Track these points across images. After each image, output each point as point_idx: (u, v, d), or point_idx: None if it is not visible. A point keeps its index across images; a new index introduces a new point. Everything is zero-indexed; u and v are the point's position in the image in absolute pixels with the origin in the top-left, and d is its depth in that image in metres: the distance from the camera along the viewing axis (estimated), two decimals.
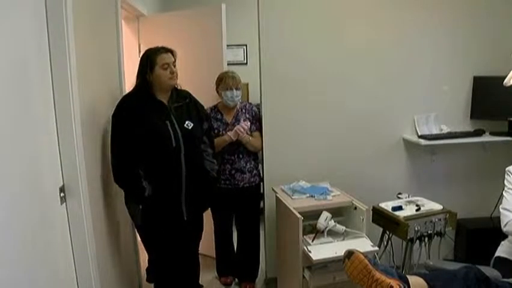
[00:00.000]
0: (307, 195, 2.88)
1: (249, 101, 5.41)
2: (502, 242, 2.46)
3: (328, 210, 2.71)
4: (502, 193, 2.41)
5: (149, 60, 2.46)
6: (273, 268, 3.32)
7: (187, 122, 2.55)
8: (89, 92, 2.29)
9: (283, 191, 3.00)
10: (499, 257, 2.40)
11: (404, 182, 3.46)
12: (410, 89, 3.36)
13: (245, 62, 5.51)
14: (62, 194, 1.97)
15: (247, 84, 5.51)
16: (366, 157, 3.38)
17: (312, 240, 2.60)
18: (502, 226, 2.32)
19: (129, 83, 3.27)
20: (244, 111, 3.25)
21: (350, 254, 1.78)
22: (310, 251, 2.46)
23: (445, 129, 3.39)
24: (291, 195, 2.88)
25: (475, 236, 3.30)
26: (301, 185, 3.04)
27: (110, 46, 2.85)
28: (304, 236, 2.61)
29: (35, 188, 1.75)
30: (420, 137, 3.29)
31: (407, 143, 3.42)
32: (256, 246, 3.41)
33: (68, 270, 2.02)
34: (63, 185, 1.99)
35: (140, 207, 2.47)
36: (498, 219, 2.38)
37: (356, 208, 2.75)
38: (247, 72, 5.30)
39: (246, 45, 5.46)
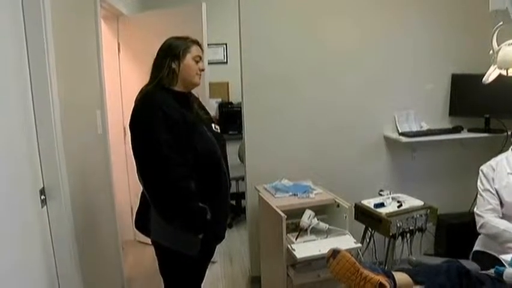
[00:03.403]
0: (290, 193, 2.89)
1: (230, 100, 5.44)
2: (480, 236, 2.51)
3: (311, 208, 2.72)
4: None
5: (180, 47, 2.06)
6: (257, 267, 3.32)
7: (213, 125, 2.19)
8: (69, 91, 2.25)
9: (265, 189, 3.00)
10: (477, 251, 2.46)
11: (386, 179, 3.50)
12: (390, 87, 3.40)
13: (225, 61, 5.50)
14: (42, 197, 1.94)
15: (227, 83, 5.52)
16: (348, 155, 3.41)
17: (296, 239, 2.60)
18: (478, 228, 2.41)
19: (109, 82, 3.24)
20: None
21: (335, 252, 1.79)
22: (294, 249, 2.47)
23: (425, 127, 3.44)
24: (274, 194, 2.88)
25: (454, 231, 3.35)
26: (283, 184, 3.04)
27: (89, 45, 2.82)
28: (288, 235, 2.61)
29: (14, 192, 1.71)
30: (401, 134, 3.33)
31: (388, 140, 3.46)
32: None
33: (50, 273, 1.99)
34: (43, 188, 1.96)
35: (200, 236, 2.02)
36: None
37: (338, 206, 2.76)
38: (228, 71, 5.32)
39: (226, 44, 5.45)
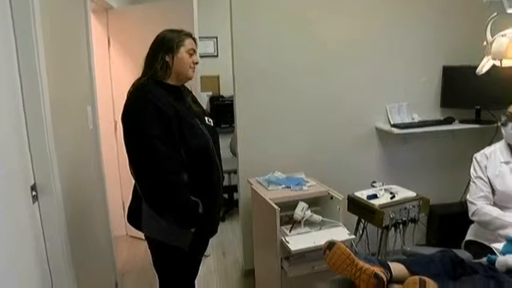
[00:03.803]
0: (283, 186, 2.89)
1: (221, 94, 5.42)
2: (471, 226, 2.54)
3: (304, 200, 2.72)
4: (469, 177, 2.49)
5: (173, 40, 2.03)
6: (250, 260, 3.32)
7: (206, 118, 2.16)
8: (59, 86, 2.22)
9: (258, 182, 3.00)
10: (469, 240, 2.48)
11: (378, 170, 3.51)
12: (382, 79, 3.41)
13: (216, 54, 5.48)
14: (34, 193, 1.92)
15: (218, 77, 5.49)
16: (341, 147, 3.42)
17: (290, 231, 2.61)
18: (470, 216, 2.44)
19: (99, 76, 3.22)
20: None
21: (331, 244, 1.79)
22: (288, 242, 2.47)
23: (417, 118, 3.46)
24: (267, 187, 2.88)
25: (446, 221, 3.38)
26: (276, 176, 3.04)
27: (79, 39, 2.78)
28: (282, 227, 2.61)
29: (5, 188, 1.69)
30: (393, 125, 3.34)
31: (380, 132, 3.47)
32: None
33: (42, 269, 1.97)
34: (34, 184, 1.93)
35: (193, 230, 2.02)
36: (467, 204, 2.48)
37: (332, 198, 2.77)
38: (218, 65, 5.30)
39: (217, 37, 5.42)
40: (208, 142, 2.04)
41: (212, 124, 2.18)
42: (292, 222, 2.66)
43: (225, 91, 5.36)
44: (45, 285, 1.99)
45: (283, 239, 2.52)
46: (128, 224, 2.16)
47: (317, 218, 2.67)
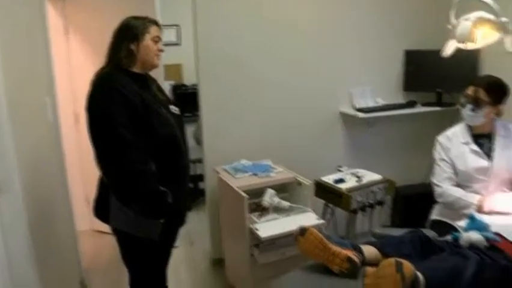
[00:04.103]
0: (250, 173, 2.88)
1: (183, 82, 5.34)
2: (435, 206, 2.59)
3: (272, 187, 2.72)
4: (432, 160, 2.53)
5: (138, 27, 1.97)
6: (219, 249, 3.30)
7: (171, 107, 2.12)
8: (15, 78, 2.10)
9: (225, 170, 2.97)
10: (433, 220, 2.53)
11: (344, 154, 3.54)
12: (345, 64, 3.43)
13: (178, 42, 5.38)
14: None
15: (180, 65, 5.40)
16: (306, 132, 3.43)
17: (259, 218, 2.60)
18: (436, 198, 2.48)
19: (58, 67, 3.10)
20: None
21: (303, 230, 1.78)
22: (257, 229, 2.46)
23: (381, 102, 3.50)
24: (234, 175, 2.86)
25: (410, 202, 3.43)
26: (243, 164, 3.03)
27: (34, 28, 2.66)
28: (250, 215, 2.60)
29: None
30: (358, 110, 3.36)
31: (345, 117, 3.50)
32: None
33: (2, 268, 1.89)
34: None
35: (162, 220, 1.97)
36: (430, 185, 2.54)
37: (299, 183, 2.77)
38: (181, 53, 5.20)
39: (179, 25, 5.32)
40: (174, 131, 2.02)
41: (178, 113, 2.14)
42: (261, 210, 2.66)
43: (188, 79, 5.29)
44: (6, 284, 1.90)
45: (252, 226, 2.51)
46: (93, 218, 2.10)
47: (285, 204, 2.68)
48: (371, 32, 3.43)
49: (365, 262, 1.74)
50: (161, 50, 2.05)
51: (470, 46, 1.75)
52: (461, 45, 1.76)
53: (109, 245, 3.62)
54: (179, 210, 2.11)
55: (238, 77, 3.19)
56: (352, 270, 1.68)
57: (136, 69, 2.00)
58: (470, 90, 2.33)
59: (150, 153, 1.92)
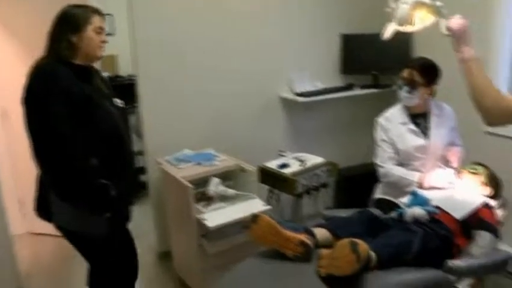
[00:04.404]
0: (194, 163, 2.83)
1: (119, 74, 5.14)
2: (378, 185, 2.67)
3: (216, 175, 2.69)
4: (374, 141, 2.60)
5: (79, 17, 1.85)
6: (165, 242, 3.23)
7: (114, 100, 2.05)
8: None
9: (168, 162, 2.90)
10: (377, 198, 2.61)
11: (285, 139, 3.56)
12: (283, 49, 3.43)
13: (112, 32, 5.15)
14: None
15: (115, 56, 5.22)
16: (248, 119, 3.41)
17: (205, 208, 2.56)
18: (380, 178, 2.54)
19: None
20: None
21: (255, 217, 1.78)
22: (205, 219, 2.42)
23: (320, 86, 3.52)
24: (177, 165, 2.80)
25: (352, 182, 3.53)
26: (185, 154, 2.97)
27: None
28: (196, 205, 2.56)
29: None
30: (297, 94, 3.38)
31: (285, 102, 3.51)
32: None
33: None
34: None
35: (108, 214, 1.90)
36: (371, 165, 2.60)
37: (243, 170, 2.76)
38: (115, 43, 4.97)
39: (112, 15, 5.09)
40: (118, 123, 1.95)
41: (121, 105, 2.07)
42: (207, 199, 2.62)
43: (123, 71, 5.11)
44: None
45: (199, 216, 2.47)
46: (29, 220, 1.98)
47: (231, 192, 2.66)
48: (308, 17, 3.45)
49: (318, 245, 1.76)
50: (104, 41, 1.94)
51: (408, 29, 1.79)
52: (401, 28, 1.80)
53: (49, 247, 3.44)
54: (125, 204, 2.05)
55: (177, 66, 3.10)
56: (306, 254, 1.70)
57: (78, 61, 1.89)
58: (405, 73, 2.40)
59: (92, 147, 1.83)
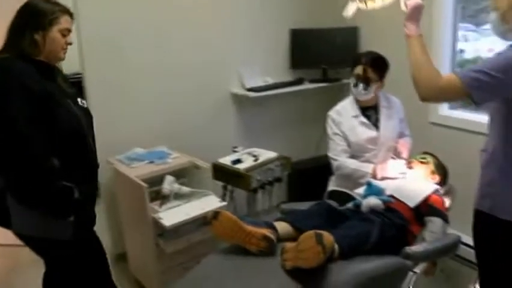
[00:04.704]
0: (146, 161, 2.77)
1: (63, 72, 4.91)
2: (331, 177, 2.73)
3: (170, 173, 2.65)
4: (326, 135, 2.65)
5: (46, 15, 1.75)
6: (119, 243, 3.14)
7: (79, 100, 1.96)
8: None
9: (119, 161, 2.82)
10: (331, 190, 2.66)
11: (238, 135, 3.56)
12: (232, 44, 3.41)
13: None
14: None
15: None
16: (199, 115, 3.36)
17: (160, 207, 2.52)
18: (334, 171, 2.60)
19: None
20: None
21: (216, 214, 1.76)
22: (161, 218, 2.38)
23: (270, 81, 3.54)
24: (129, 165, 2.73)
25: (304, 176, 3.58)
26: (137, 152, 2.90)
27: None
28: (151, 204, 2.51)
29: None
30: (248, 89, 3.38)
31: (236, 97, 3.50)
32: None
33: None
34: None
35: (72, 218, 1.82)
36: (323, 158, 2.64)
37: (197, 167, 2.74)
38: None
39: None
40: (80, 123, 1.86)
41: (85, 106, 1.99)
42: (162, 198, 2.58)
43: (67, 68, 4.90)
44: None
45: (155, 216, 2.42)
46: None
47: (186, 189, 2.63)
48: (258, 12, 3.45)
49: (280, 238, 1.77)
50: (69, 43, 1.86)
51: (370, 6, 1.82)
52: (362, 6, 1.82)
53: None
54: (89, 207, 1.98)
55: (126, 63, 3.01)
56: (269, 248, 1.71)
57: (41, 58, 1.79)
58: (359, 70, 2.45)
59: (54, 147, 1.74)
